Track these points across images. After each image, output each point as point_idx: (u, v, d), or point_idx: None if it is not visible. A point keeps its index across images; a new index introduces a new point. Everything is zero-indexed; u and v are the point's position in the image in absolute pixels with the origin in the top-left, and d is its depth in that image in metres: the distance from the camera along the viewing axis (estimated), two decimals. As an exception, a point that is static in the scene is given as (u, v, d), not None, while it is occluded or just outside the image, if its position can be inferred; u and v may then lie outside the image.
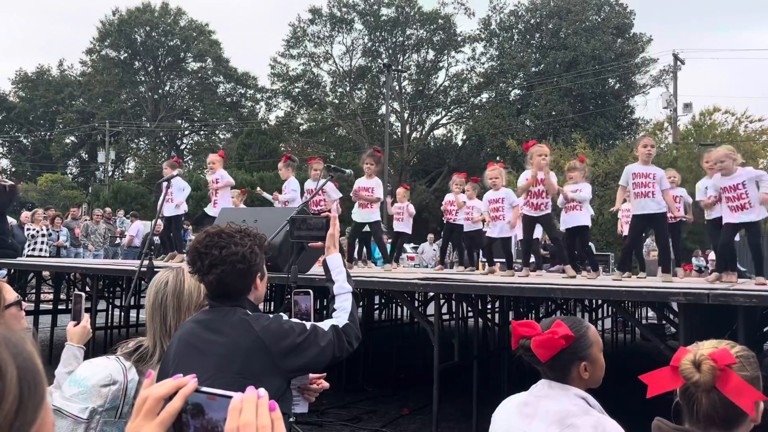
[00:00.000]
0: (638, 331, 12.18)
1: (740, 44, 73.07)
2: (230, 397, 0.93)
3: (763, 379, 1.68)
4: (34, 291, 10.18)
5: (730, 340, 1.73)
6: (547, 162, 6.92)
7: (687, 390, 1.62)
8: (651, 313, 13.68)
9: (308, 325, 2.26)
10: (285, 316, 2.28)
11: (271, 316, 2.23)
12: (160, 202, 6.50)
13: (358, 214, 8.26)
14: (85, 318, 2.63)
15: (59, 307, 9.53)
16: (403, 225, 9.87)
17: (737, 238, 7.09)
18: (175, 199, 8.55)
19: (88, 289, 9.06)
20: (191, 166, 43.70)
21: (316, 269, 5.69)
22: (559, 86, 37.96)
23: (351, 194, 8.32)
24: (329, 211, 8.50)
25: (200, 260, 2.12)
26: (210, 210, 8.71)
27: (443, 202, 9.95)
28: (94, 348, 6.43)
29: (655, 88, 39.96)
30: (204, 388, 0.97)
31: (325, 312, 7.85)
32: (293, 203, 8.58)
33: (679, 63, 32.86)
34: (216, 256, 2.10)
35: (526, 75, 40.21)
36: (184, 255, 8.66)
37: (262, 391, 0.95)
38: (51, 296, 10.38)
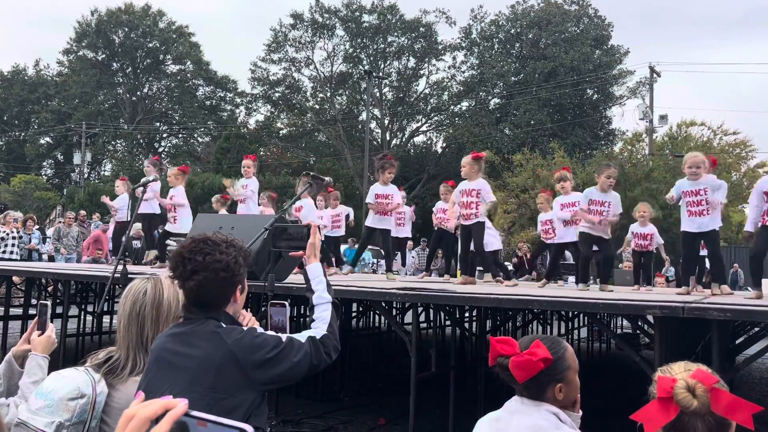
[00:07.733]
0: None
1: (716, 59, 74.58)
2: (221, 424, 0.89)
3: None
4: (3, 296, 9.96)
5: (686, 361, 1.69)
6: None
7: (679, 418, 1.56)
8: (626, 323, 13.83)
9: (284, 337, 2.22)
10: (260, 329, 2.24)
11: (244, 328, 2.19)
12: (137, 206, 6.43)
13: (373, 220, 7.98)
14: (50, 328, 2.56)
15: (30, 312, 9.34)
16: (405, 230, 10.00)
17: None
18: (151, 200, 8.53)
19: (59, 294, 8.89)
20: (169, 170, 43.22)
21: (294, 277, 5.64)
22: (538, 96, 38.31)
23: (366, 203, 8.15)
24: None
25: (183, 265, 2.09)
26: (171, 227, 8.54)
27: (434, 209, 9.61)
28: (65, 355, 6.30)
29: (631, 99, 40.62)
30: (194, 413, 0.92)
31: (302, 321, 7.78)
32: (249, 202, 8.77)
33: (655, 75, 33.37)
34: (199, 261, 2.07)
35: (506, 84, 40.53)
36: (154, 253, 8.50)
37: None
38: (22, 300, 10.17)
